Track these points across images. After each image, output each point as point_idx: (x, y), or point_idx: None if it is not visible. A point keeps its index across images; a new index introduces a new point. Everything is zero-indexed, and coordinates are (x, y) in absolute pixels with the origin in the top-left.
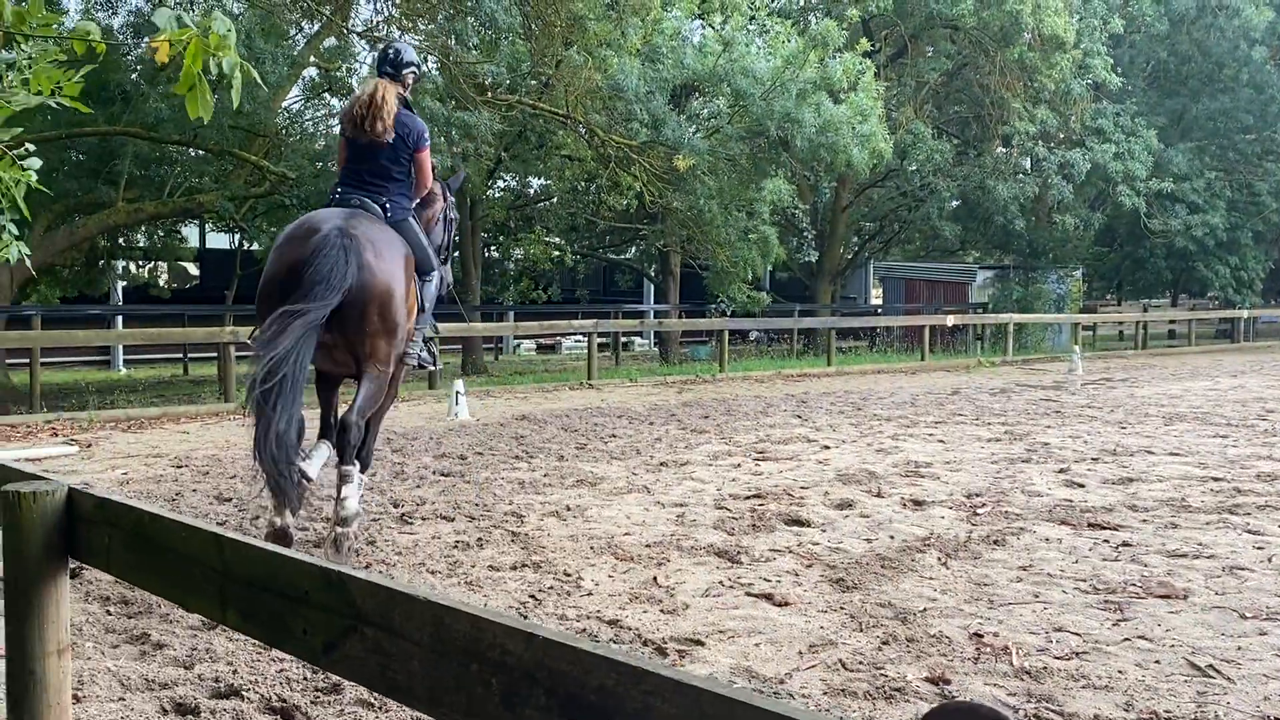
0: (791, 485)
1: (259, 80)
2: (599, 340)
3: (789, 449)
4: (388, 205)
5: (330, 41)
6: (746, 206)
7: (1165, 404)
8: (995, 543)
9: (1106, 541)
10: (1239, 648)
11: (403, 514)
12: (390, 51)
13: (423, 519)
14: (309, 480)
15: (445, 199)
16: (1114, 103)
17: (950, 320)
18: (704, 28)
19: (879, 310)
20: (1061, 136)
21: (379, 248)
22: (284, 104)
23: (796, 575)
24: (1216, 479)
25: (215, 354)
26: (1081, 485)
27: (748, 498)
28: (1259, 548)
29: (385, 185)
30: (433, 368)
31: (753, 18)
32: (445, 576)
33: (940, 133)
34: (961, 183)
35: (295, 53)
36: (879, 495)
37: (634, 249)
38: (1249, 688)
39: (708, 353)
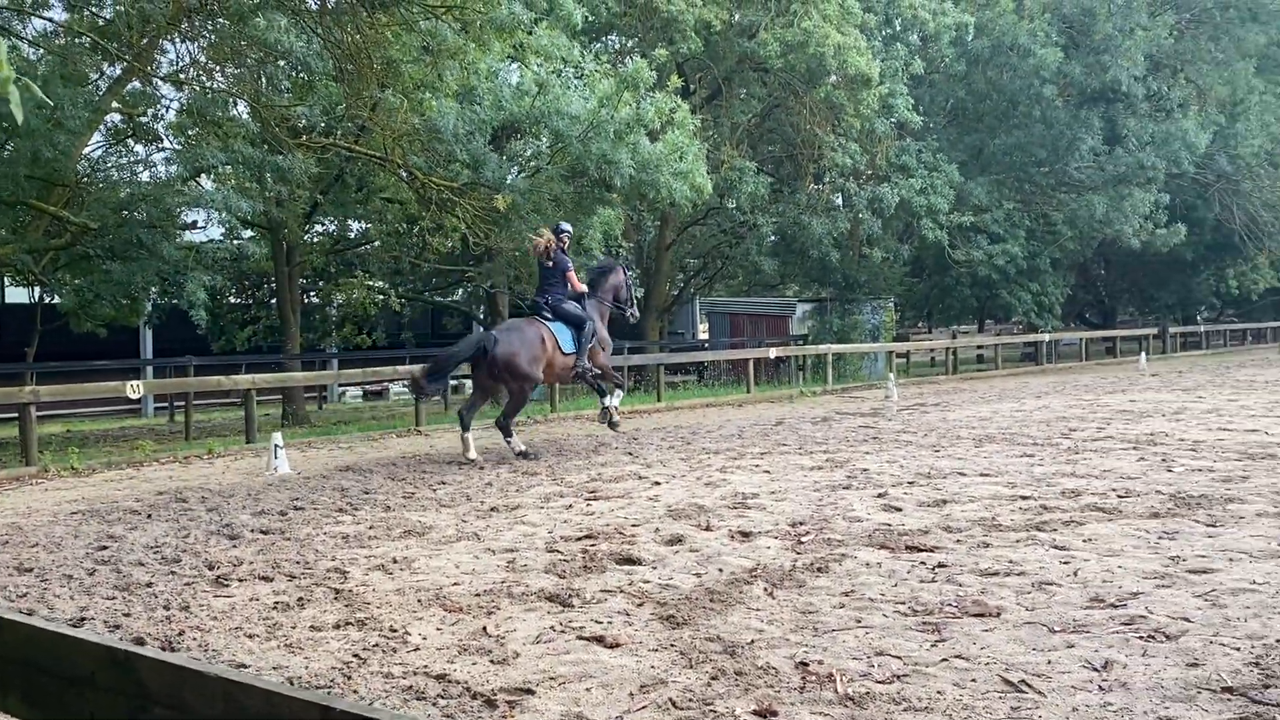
0: (623, 523)
1: (42, 97)
2: None
3: (620, 487)
4: (547, 299)
5: (134, 86)
6: (573, 245)
7: (975, 426)
8: (819, 570)
9: (923, 563)
10: (1049, 661)
11: (219, 576)
12: (559, 225)
13: (240, 580)
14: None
15: (617, 274)
16: (917, 140)
17: (773, 352)
18: (521, 70)
19: (706, 345)
20: (869, 173)
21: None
22: (85, 151)
23: (628, 615)
24: (1024, 497)
25: (14, 415)
26: (899, 509)
27: (579, 539)
28: (1065, 562)
29: (548, 289)
30: (586, 370)
31: (565, 60)
32: (264, 640)
33: (758, 170)
34: (779, 219)
35: (97, 98)
36: (708, 529)
37: (461, 291)
38: (1059, 700)
39: (540, 393)
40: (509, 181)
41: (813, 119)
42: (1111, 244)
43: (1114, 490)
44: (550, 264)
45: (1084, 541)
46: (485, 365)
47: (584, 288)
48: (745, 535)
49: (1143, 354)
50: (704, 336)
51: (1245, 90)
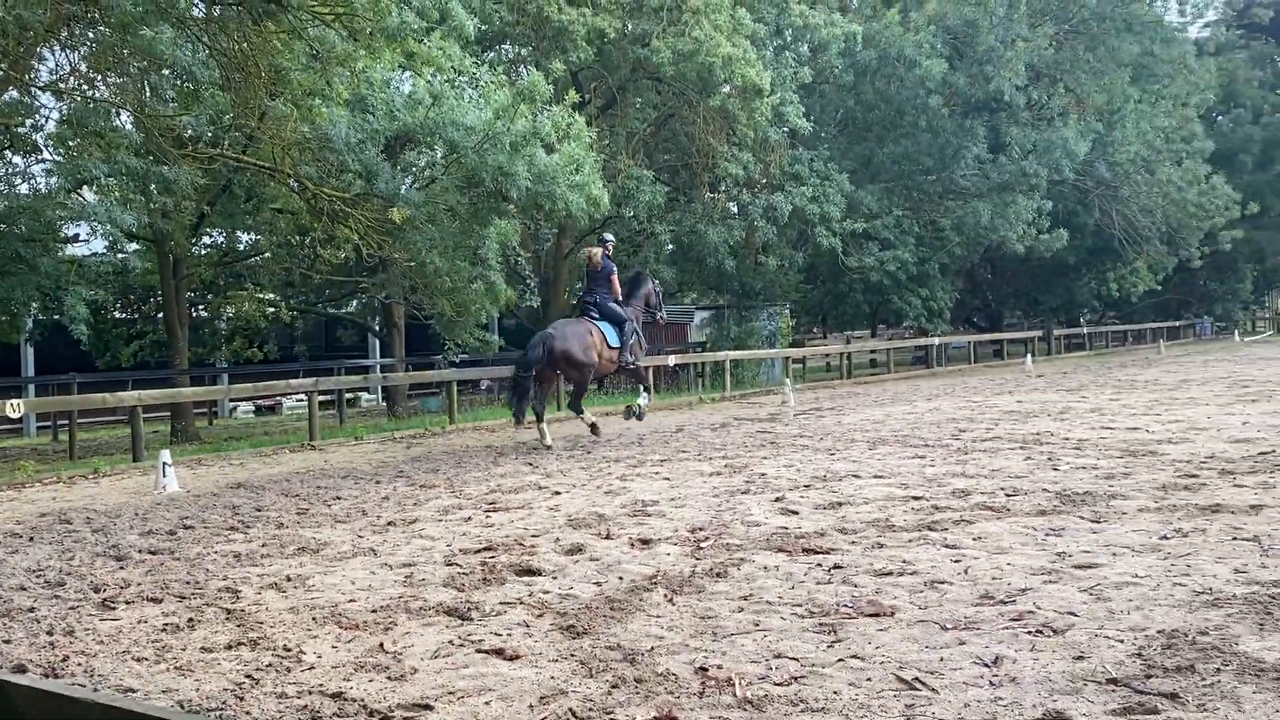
0: (523, 534)
1: None
2: (321, 398)
3: (520, 498)
4: (594, 298)
5: (11, 95)
6: (470, 255)
7: (869, 429)
8: (718, 575)
9: (820, 565)
10: (941, 658)
11: (105, 598)
12: (604, 235)
13: (127, 603)
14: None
15: (652, 283)
16: (809, 149)
17: (672, 360)
18: (414, 80)
19: None
20: (764, 182)
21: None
22: None
23: (528, 626)
24: (917, 498)
25: None
26: (796, 512)
27: (478, 551)
28: (956, 560)
29: (597, 290)
30: (633, 361)
31: (457, 70)
32: (153, 663)
33: (655, 179)
34: (676, 228)
35: None
36: (608, 537)
37: (355, 302)
38: (951, 696)
39: (438, 405)
40: (403, 192)
41: (707, 128)
42: (997, 249)
43: (1002, 489)
44: (600, 271)
45: (974, 540)
46: (546, 359)
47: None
48: (645, 543)
49: (1028, 356)
50: None
51: (1121, 99)
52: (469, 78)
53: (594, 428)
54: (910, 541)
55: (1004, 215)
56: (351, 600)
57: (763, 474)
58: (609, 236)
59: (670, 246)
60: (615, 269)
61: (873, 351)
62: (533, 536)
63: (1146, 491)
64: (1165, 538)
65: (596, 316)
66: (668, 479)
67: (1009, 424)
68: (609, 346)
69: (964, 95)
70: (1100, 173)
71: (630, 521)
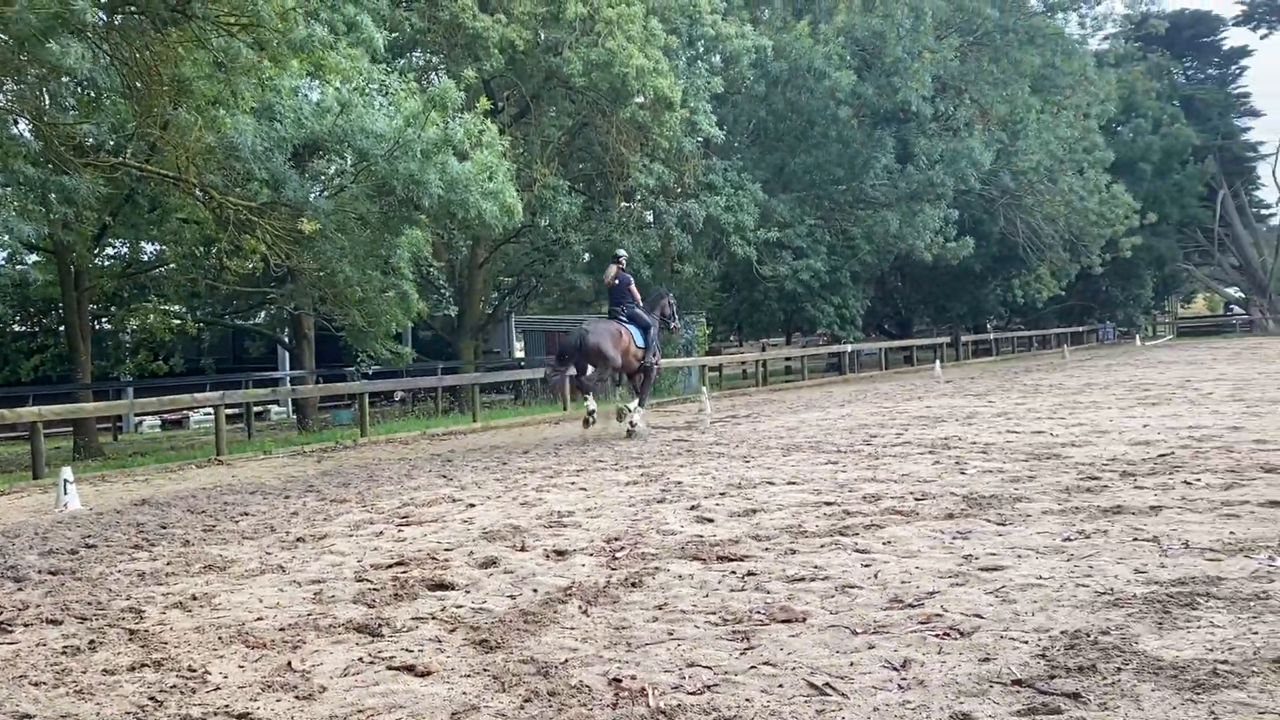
0: (436, 548)
1: None
2: (229, 412)
3: (434, 511)
4: (624, 308)
5: None
6: (381, 264)
7: (784, 436)
8: (633, 585)
9: (734, 573)
10: (851, 663)
11: (1, 621)
12: (616, 252)
13: (25, 625)
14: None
15: (668, 299)
16: (722, 159)
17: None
18: (322, 87)
19: (522, 363)
20: (679, 191)
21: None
22: None
23: (440, 642)
24: (829, 503)
25: None
26: (711, 520)
27: (390, 566)
28: (866, 565)
29: (622, 301)
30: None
31: (369, 79)
32: (51, 687)
33: (571, 189)
34: (591, 237)
35: None
36: (523, 549)
37: (264, 314)
38: (861, 700)
39: (350, 417)
40: (312, 200)
41: (620, 138)
42: (906, 258)
43: (911, 493)
44: (618, 283)
45: (884, 544)
46: (581, 352)
47: (666, 295)
48: (560, 554)
49: (937, 362)
50: (520, 355)
51: (1023, 110)
52: (378, 85)
53: (620, 415)
54: (822, 547)
55: (912, 224)
56: (259, 619)
57: (679, 482)
58: (622, 252)
59: (587, 256)
60: (632, 279)
61: (788, 359)
62: (446, 550)
63: (1051, 494)
64: (1068, 539)
65: (625, 320)
66: (584, 489)
67: (918, 429)
68: (635, 346)
69: (873, 106)
70: (1005, 182)
71: (545, 533)
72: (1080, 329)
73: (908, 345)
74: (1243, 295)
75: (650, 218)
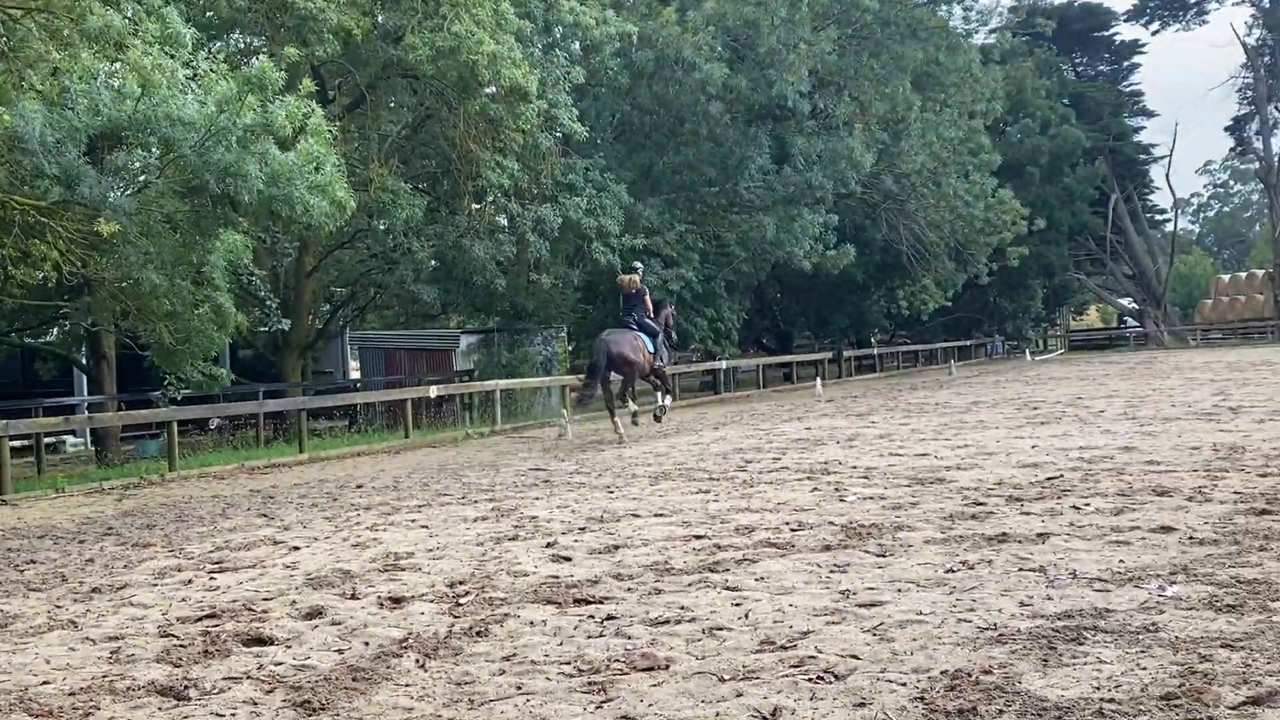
0: (253, 598)
1: None
2: (15, 444)
3: (252, 555)
4: (634, 317)
5: None
6: (192, 273)
7: (652, 462)
8: (478, 634)
9: (592, 617)
10: (718, 714)
11: None
12: (633, 264)
13: None
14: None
15: (670, 307)
16: (583, 157)
17: (434, 391)
18: (122, 70)
19: (358, 385)
20: (535, 192)
21: (618, 340)
22: None
23: (256, 705)
24: (699, 537)
25: None
26: (568, 559)
27: (200, 619)
28: (736, 604)
29: (634, 309)
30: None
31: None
32: None
33: (414, 190)
34: (437, 242)
35: None
36: (354, 597)
37: (56, 330)
38: None
39: (156, 449)
40: (111, 200)
41: (469, 132)
42: (785, 266)
43: (787, 524)
44: (635, 292)
45: (756, 580)
46: (606, 363)
47: (668, 306)
48: (397, 601)
49: (819, 379)
50: (355, 375)
51: (905, 107)
52: (191, 69)
53: (634, 417)
54: (690, 585)
55: (790, 230)
56: (45, 682)
57: (534, 517)
58: (638, 265)
59: (433, 264)
60: (648, 291)
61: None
62: (265, 599)
63: (934, 522)
64: (951, 570)
65: (635, 329)
66: (426, 527)
67: (796, 453)
68: (648, 352)
69: (746, 100)
70: (887, 185)
71: (380, 578)
72: (968, 342)
73: (787, 361)
74: (1136, 306)
75: (504, 221)
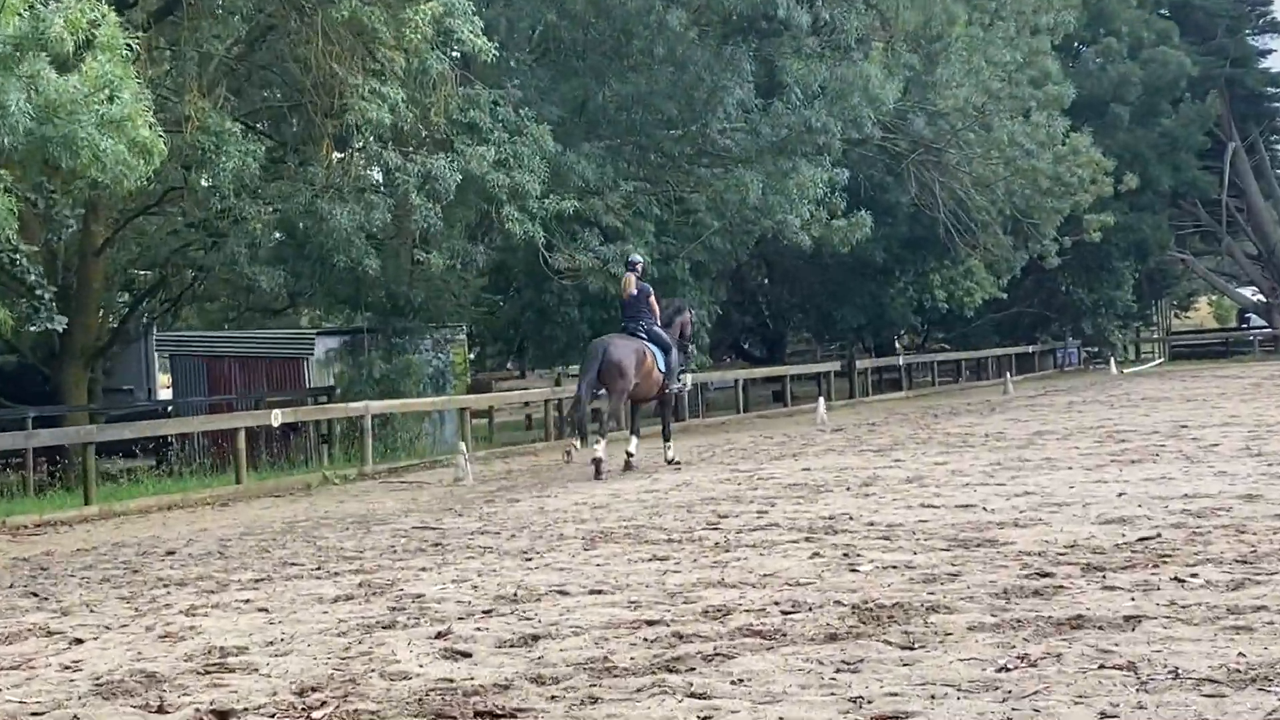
0: (18, 711)
1: None
2: None
3: (16, 651)
4: (642, 325)
5: None
6: None
7: (587, 518)
8: None
9: None
10: None
11: None
12: (630, 259)
13: None
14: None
15: (689, 314)
16: (492, 86)
17: (278, 417)
18: None
19: (169, 408)
20: (423, 135)
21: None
22: None
23: None
24: (652, 622)
25: None
26: (467, 654)
27: None
28: (705, 717)
29: (640, 317)
30: (681, 387)
31: None
32: None
33: (248, 131)
34: (281, 205)
35: None
36: (161, 710)
37: None
38: None
39: None
40: None
41: (330, 50)
42: (774, 242)
43: (776, 603)
44: (635, 293)
45: (733, 684)
46: (600, 367)
47: (686, 309)
48: (222, 716)
49: (821, 400)
50: (165, 394)
51: (944, 19)
52: None
53: (629, 458)
54: (639, 691)
55: (782, 190)
56: None
57: (419, 595)
58: (637, 258)
59: (276, 236)
60: (651, 290)
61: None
62: (32, 715)
63: (981, 600)
64: (1005, 669)
65: (645, 338)
66: (265, 610)
67: (790, 504)
68: (658, 370)
69: (721, 9)
70: (917, 129)
71: (199, 683)
72: (1030, 349)
73: (778, 374)
74: (1265, 299)
75: (377, 177)
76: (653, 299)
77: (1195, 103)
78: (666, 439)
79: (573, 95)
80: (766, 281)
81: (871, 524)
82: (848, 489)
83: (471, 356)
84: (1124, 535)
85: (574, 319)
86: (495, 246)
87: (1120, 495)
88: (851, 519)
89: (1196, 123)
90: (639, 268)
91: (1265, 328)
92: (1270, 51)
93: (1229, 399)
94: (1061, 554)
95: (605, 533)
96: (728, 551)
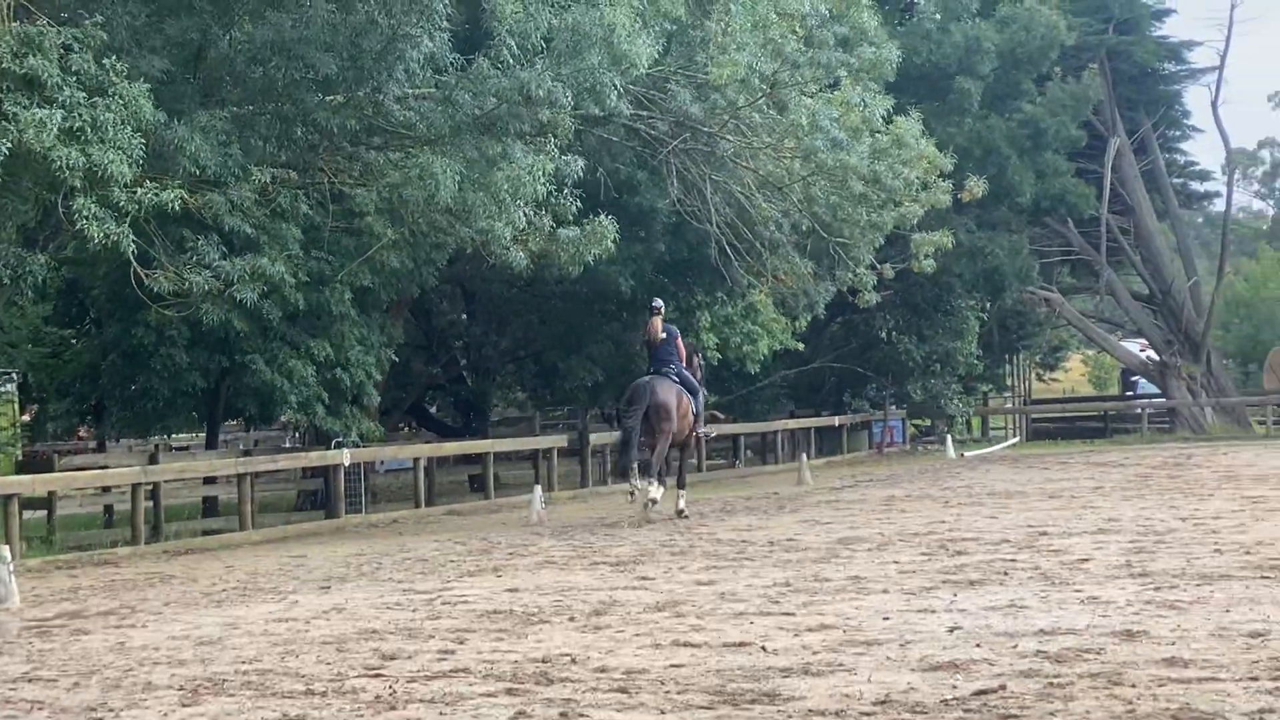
0: None
1: None
2: None
3: None
4: (673, 368)
5: None
6: None
7: (190, 657)
8: None
9: None
10: None
11: None
12: (654, 303)
13: None
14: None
15: (699, 357)
16: (64, 24)
17: None
18: None
19: None
20: None
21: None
22: None
23: None
24: None
25: None
26: None
27: None
28: None
29: (670, 360)
30: (710, 434)
31: None
32: None
33: None
34: None
35: None
36: None
37: None
38: None
39: None
40: None
41: None
42: (476, 260)
43: None
44: (663, 336)
45: None
46: (647, 409)
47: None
48: None
49: (538, 489)
50: None
51: None
52: None
53: (651, 503)
54: None
55: (487, 184)
56: None
57: None
58: (659, 302)
59: None
60: (679, 332)
61: (209, 478)
62: None
63: None
64: None
65: (677, 381)
66: None
67: (488, 640)
68: (693, 413)
69: None
70: (682, 104)
71: None
72: (837, 421)
73: (478, 452)
74: (1155, 356)
75: None
76: (679, 341)
77: (1068, 81)
78: (682, 487)
79: (184, 39)
80: (464, 318)
81: (603, 670)
82: (571, 619)
83: (25, 419)
84: (955, 687)
85: (180, 366)
86: (64, 257)
87: (952, 631)
88: (575, 662)
89: (1070, 109)
90: (662, 310)
91: (1157, 396)
92: (1168, 12)
93: (1106, 496)
94: (868, 714)
95: (214, 681)
96: (393, 710)
